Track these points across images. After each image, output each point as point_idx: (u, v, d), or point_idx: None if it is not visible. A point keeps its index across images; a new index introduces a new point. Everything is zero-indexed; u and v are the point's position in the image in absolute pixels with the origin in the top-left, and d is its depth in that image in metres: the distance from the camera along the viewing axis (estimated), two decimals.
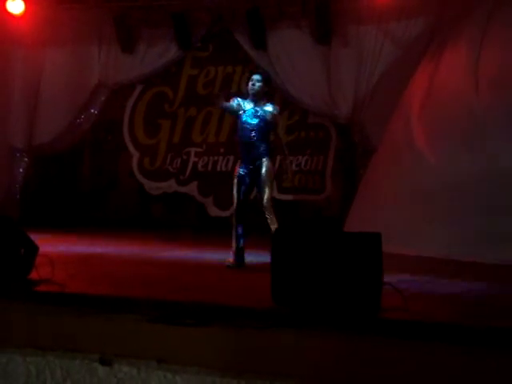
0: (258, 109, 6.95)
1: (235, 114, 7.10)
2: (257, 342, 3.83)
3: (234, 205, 7.15)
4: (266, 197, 6.94)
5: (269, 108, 6.98)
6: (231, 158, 11.63)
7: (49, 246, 6.00)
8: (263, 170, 6.85)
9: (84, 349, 4.00)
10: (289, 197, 11.27)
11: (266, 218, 6.97)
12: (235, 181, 7.09)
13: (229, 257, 6.98)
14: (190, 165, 11.88)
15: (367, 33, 10.14)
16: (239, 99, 7.07)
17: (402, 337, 3.67)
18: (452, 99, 8.38)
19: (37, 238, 4.93)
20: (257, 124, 6.91)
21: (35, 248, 4.73)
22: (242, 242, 7.07)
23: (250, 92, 7.01)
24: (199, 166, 11.85)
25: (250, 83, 7.03)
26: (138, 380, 3.89)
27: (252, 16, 10.48)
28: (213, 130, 11.81)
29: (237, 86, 11.64)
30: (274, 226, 6.72)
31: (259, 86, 6.98)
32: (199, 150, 11.85)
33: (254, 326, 3.88)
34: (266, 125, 6.95)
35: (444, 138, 8.23)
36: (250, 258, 7.23)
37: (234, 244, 7.02)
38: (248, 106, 7.00)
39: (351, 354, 3.65)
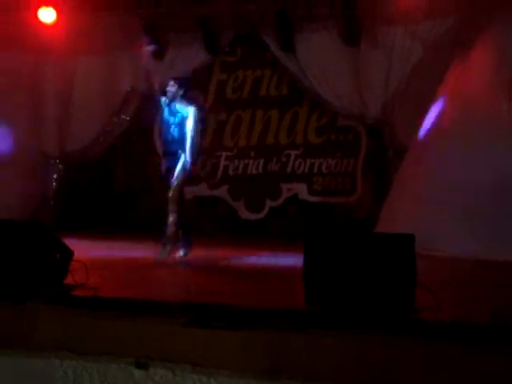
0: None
1: None
2: (290, 345, 3.84)
3: None
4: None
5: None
6: (261, 161, 11.67)
7: (83, 250, 6.05)
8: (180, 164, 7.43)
9: (120, 352, 4.04)
10: (319, 199, 11.28)
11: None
12: None
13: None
14: (221, 168, 11.93)
15: (396, 33, 10.11)
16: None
17: (437, 337, 3.66)
18: (480, 100, 8.32)
19: (71, 243, 4.98)
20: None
21: (70, 253, 4.79)
22: None
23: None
24: (230, 169, 11.89)
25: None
26: (173, 383, 3.92)
27: (280, 19, 10.49)
28: (243, 133, 11.85)
29: (265, 89, 11.67)
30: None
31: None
32: (230, 153, 11.89)
33: (288, 329, 3.89)
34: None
35: (473, 139, 8.17)
36: (279, 260, 7.26)
37: None
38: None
39: (385, 355, 3.64)
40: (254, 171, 11.75)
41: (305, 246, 4.27)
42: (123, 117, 11.87)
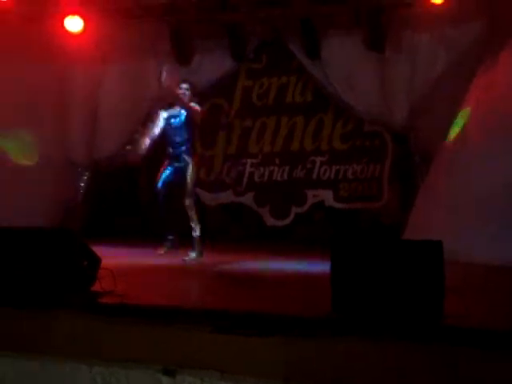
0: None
1: None
2: (319, 352, 3.83)
3: None
4: None
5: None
6: (287, 167, 11.67)
7: (110, 257, 6.08)
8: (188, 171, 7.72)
9: (147, 359, 4.05)
10: (345, 205, 11.26)
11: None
12: None
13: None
14: (247, 175, 11.94)
15: (421, 39, 10.08)
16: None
17: (466, 344, 3.63)
18: (508, 107, 8.24)
19: (98, 250, 5.01)
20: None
21: (97, 260, 4.81)
22: None
23: None
24: (255, 176, 11.90)
25: None
26: None
27: (305, 26, 10.51)
28: (268, 140, 11.86)
29: (291, 96, 11.68)
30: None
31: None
32: (255, 160, 11.90)
33: (316, 336, 3.87)
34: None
35: (501, 147, 8.10)
36: (305, 266, 7.24)
37: None
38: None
39: (414, 362, 3.62)
40: (279, 178, 11.75)
41: (332, 252, 4.25)
42: (150, 124, 11.89)
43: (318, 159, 11.47)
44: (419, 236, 6.41)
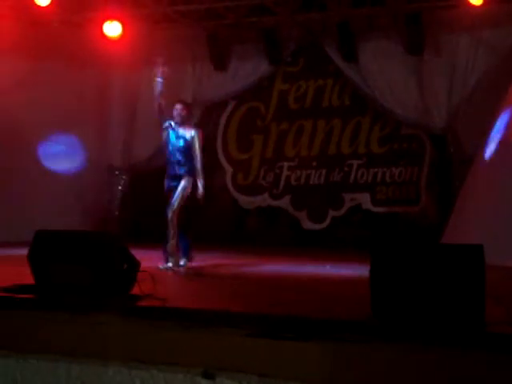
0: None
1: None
2: (358, 357, 3.80)
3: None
4: None
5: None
6: (323, 171, 11.64)
7: (148, 261, 6.13)
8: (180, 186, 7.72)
9: (187, 362, 4.06)
10: (383, 209, 11.19)
11: None
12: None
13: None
14: (283, 179, 11.93)
15: (460, 41, 10.01)
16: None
17: (508, 351, 3.58)
18: None
19: (136, 254, 5.04)
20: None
21: (137, 263, 4.84)
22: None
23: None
24: (292, 179, 11.89)
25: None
26: None
27: (342, 29, 10.49)
28: (305, 143, 11.84)
29: (328, 99, 11.65)
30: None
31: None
32: (292, 163, 11.89)
33: (355, 340, 3.85)
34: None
35: None
36: (342, 270, 7.22)
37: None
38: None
39: (455, 368, 3.58)
40: (316, 181, 11.72)
41: (371, 256, 4.23)
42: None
43: (356, 162, 11.42)
44: (458, 240, 6.36)
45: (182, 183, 7.75)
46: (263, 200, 12.04)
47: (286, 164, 11.93)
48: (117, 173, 11.97)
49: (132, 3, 10.67)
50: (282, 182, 11.93)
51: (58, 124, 10.73)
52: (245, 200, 12.17)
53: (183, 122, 7.83)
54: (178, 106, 7.92)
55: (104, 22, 10.55)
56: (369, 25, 10.61)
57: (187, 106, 8.19)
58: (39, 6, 9.87)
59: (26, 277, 4.90)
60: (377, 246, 4.30)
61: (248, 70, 11.47)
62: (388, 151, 11.24)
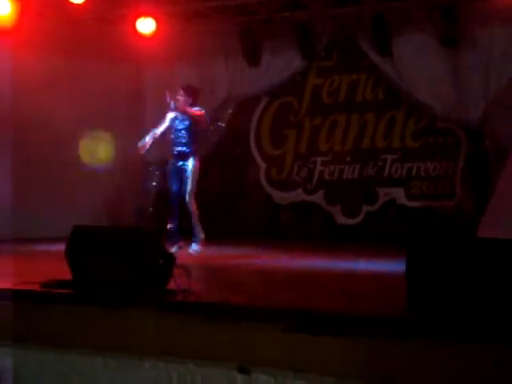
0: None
1: None
2: (393, 353, 3.79)
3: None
4: None
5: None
6: (357, 166, 11.58)
7: (183, 256, 6.16)
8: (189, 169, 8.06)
9: (222, 357, 4.08)
10: (418, 203, 11.11)
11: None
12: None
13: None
14: (317, 174, 11.90)
15: (496, 34, 9.89)
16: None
17: None
18: None
19: (171, 249, 5.07)
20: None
21: (172, 259, 4.86)
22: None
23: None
24: (326, 174, 11.85)
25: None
26: None
27: (376, 22, 10.42)
28: (338, 138, 11.79)
29: (361, 93, 11.60)
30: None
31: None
32: (325, 158, 11.85)
33: (391, 336, 3.84)
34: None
35: None
36: (377, 265, 7.19)
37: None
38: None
39: (493, 365, 3.55)
40: (349, 176, 11.68)
41: (407, 250, 4.20)
42: (219, 124, 12.03)
43: (390, 157, 11.35)
44: (495, 234, 6.29)
45: (191, 165, 8.08)
46: (297, 195, 12.02)
47: (319, 159, 11.89)
48: (151, 168, 12.04)
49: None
50: (316, 177, 11.89)
51: (91, 120, 10.82)
52: (278, 195, 12.17)
53: (183, 107, 8.19)
54: (180, 92, 8.30)
55: (137, 18, 10.63)
56: (403, 18, 10.52)
57: (191, 90, 8.40)
58: (73, 3, 9.96)
59: (64, 272, 4.96)
60: (413, 240, 4.28)
61: (281, 65, 11.46)
62: (423, 145, 11.14)
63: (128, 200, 11.58)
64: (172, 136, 8.23)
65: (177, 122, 8.19)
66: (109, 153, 10.95)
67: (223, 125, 12.01)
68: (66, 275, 4.93)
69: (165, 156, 11.87)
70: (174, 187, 8.18)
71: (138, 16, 10.61)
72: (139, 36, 10.77)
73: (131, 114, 11.68)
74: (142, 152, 8.41)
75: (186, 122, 8.12)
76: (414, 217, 11.06)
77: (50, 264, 6.53)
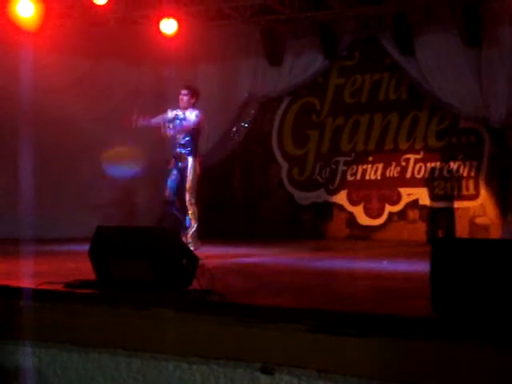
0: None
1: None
2: (419, 353, 3.76)
3: None
4: None
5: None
6: (380, 166, 11.54)
7: (205, 256, 6.17)
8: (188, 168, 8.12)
9: (245, 358, 4.07)
10: (441, 204, 11.05)
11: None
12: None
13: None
14: (339, 174, 11.88)
15: None
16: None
17: None
18: None
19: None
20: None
21: (196, 259, 4.87)
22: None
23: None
24: (348, 174, 11.83)
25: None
26: None
27: (399, 22, 10.38)
28: (361, 138, 11.76)
29: (384, 93, 11.55)
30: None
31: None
32: (348, 159, 11.83)
33: (415, 337, 3.81)
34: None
35: None
36: (401, 265, 7.15)
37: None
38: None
39: None
40: (372, 176, 11.64)
41: (432, 251, 4.17)
42: (242, 124, 12.04)
43: (413, 157, 11.30)
44: None
45: (190, 164, 8.15)
46: (319, 196, 12.01)
47: (341, 159, 11.87)
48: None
49: (187, 0, 10.75)
50: (338, 178, 11.87)
51: (115, 121, 10.86)
52: (300, 196, 12.16)
53: (187, 107, 8.22)
54: (183, 91, 8.29)
55: (160, 19, 10.66)
56: (426, 17, 10.47)
57: (193, 91, 8.39)
58: (97, 4, 10.02)
59: (88, 272, 4.98)
60: (437, 241, 4.25)
61: (303, 64, 11.45)
62: (446, 145, 11.08)
63: (152, 200, 11.60)
64: (171, 137, 8.33)
65: (176, 122, 8.25)
66: (138, 156, 10.96)
67: (245, 125, 12.01)
68: (90, 275, 4.95)
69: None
70: (172, 187, 8.26)
71: (161, 17, 10.64)
72: (162, 37, 10.80)
73: (154, 115, 11.68)
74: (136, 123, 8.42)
75: (185, 123, 8.18)
76: (437, 217, 11.01)
77: (73, 264, 6.57)
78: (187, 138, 8.21)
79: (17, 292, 4.72)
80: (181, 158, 8.19)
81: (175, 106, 8.41)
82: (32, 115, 9.82)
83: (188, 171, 8.15)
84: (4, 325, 4.53)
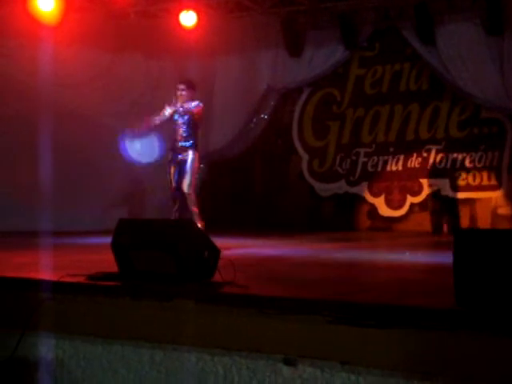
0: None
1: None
2: (440, 345, 3.75)
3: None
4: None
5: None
6: (401, 157, 11.50)
7: (227, 248, 6.16)
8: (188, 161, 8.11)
9: (268, 349, 4.07)
10: (463, 194, 10.99)
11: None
12: None
13: None
14: (360, 165, 11.84)
15: None
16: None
17: None
18: None
19: (215, 241, 5.07)
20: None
21: (217, 251, 4.87)
22: None
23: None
24: (369, 166, 11.79)
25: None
26: (322, 381, 3.91)
27: (420, 11, 10.31)
28: (382, 129, 11.72)
29: (405, 83, 11.49)
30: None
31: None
32: (368, 150, 11.79)
33: (438, 328, 3.79)
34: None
35: None
36: (423, 257, 7.12)
37: None
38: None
39: None
40: (393, 167, 11.59)
41: (455, 242, 4.15)
42: (261, 116, 12.03)
43: (434, 148, 11.25)
44: None
45: (190, 158, 8.16)
46: (340, 187, 11.99)
47: (362, 150, 11.84)
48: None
49: None
50: (359, 169, 11.84)
51: (136, 115, 10.89)
52: (321, 187, 12.15)
53: (185, 101, 8.19)
54: (181, 86, 8.29)
55: (179, 12, 10.67)
56: (447, 6, 10.38)
57: (190, 85, 8.39)
58: None
59: (110, 264, 5.00)
60: (461, 232, 4.22)
61: (323, 55, 11.42)
62: (468, 136, 11.02)
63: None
64: (172, 130, 8.34)
65: (176, 116, 8.27)
66: (153, 150, 10.98)
67: (265, 117, 11.99)
68: (112, 267, 4.97)
69: (208, 149, 12.01)
70: (174, 179, 8.29)
71: (180, 9, 10.65)
72: (181, 29, 10.80)
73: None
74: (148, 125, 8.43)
75: (186, 117, 8.22)
76: (458, 208, 10.95)
77: (94, 256, 6.61)
78: (188, 131, 8.23)
79: (39, 284, 4.75)
80: (181, 151, 8.21)
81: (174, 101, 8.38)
82: (52, 109, 9.86)
83: (187, 165, 8.16)
84: (27, 317, 4.57)
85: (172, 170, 8.32)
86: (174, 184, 8.27)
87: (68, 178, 10.52)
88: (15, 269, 5.51)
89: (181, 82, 8.40)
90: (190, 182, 8.19)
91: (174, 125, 8.29)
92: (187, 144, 8.22)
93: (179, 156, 8.24)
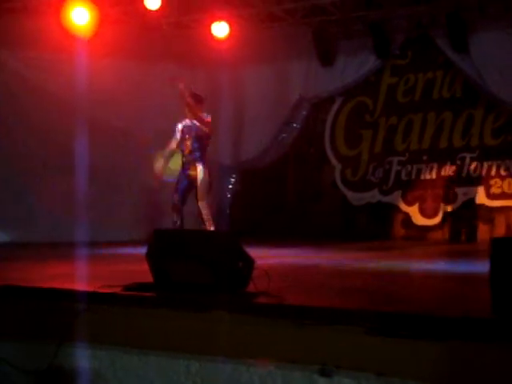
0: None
1: None
2: (477, 356, 3.71)
3: None
4: None
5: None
6: (435, 165, 11.43)
7: (260, 258, 6.17)
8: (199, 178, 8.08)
9: (303, 360, 4.07)
10: (498, 203, 10.88)
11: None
12: None
13: None
14: (393, 174, 11.78)
15: None
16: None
17: None
18: None
19: (248, 251, 5.07)
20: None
21: (251, 261, 4.87)
22: None
23: None
24: (402, 174, 11.73)
25: None
26: None
27: (452, 19, 10.25)
28: (415, 137, 11.66)
29: (438, 91, 11.43)
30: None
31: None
32: (402, 158, 11.73)
33: (475, 339, 3.76)
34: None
35: None
36: (458, 266, 7.07)
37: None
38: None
39: None
40: (427, 176, 11.52)
41: (492, 251, 4.11)
42: (293, 125, 12.04)
43: (468, 155, 11.16)
44: None
45: (200, 173, 8.11)
46: (373, 196, 11.93)
47: (395, 159, 11.78)
48: (226, 171, 12.13)
49: (238, 3, 10.79)
50: (392, 178, 11.78)
51: (168, 126, 10.96)
52: (354, 196, 12.11)
53: (195, 115, 8.13)
54: (191, 99, 8.18)
55: (211, 23, 10.73)
56: (479, 14, 10.32)
57: (198, 99, 8.32)
58: (150, 10, 10.12)
59: (145, 275, 5.03)
60: (498, 241, 4.18)
61: (355, 64, 11.40)
62: (502, 143, 10.92)
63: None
64: (182, 145, 8.30)
65: (185, 130, 8.27)
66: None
67: (297, 126, 12.00)
68: (147, 278, 5.00)
69: (240, 159, 12.03)
70: (180, 191, 8.25)
71: (212, 20, 10.71)
72: (214, 40, 10.86)
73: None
74: (160, 179, 8.44)
75: (193, 131, 8.19)
76: (494, 216, 10.84)
77: (129, 267, 6.65)
78: (196, 144, 8.19)
79: (77, 295, 4.80)
80: (190, 164, 8.17)
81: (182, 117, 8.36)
82: (86, 122, 9.96)
83: (198, 181, 8.12)
84: (64, 327, 4.61)
85: (179, 182, 8.25)
86: (178, 197, 8.21)
87: (103, 187, 10.62)
88: (51, 279, 5.58)
89: (191, 95, 8.31)
90: (204, 195, 8.18)
91: (182, 138, 8.26)
92: (194, 156, 8.20)
93: (187, 171, 8.19)
